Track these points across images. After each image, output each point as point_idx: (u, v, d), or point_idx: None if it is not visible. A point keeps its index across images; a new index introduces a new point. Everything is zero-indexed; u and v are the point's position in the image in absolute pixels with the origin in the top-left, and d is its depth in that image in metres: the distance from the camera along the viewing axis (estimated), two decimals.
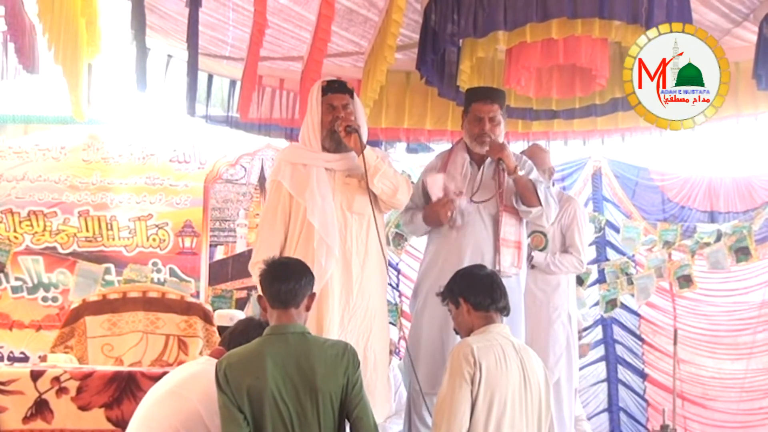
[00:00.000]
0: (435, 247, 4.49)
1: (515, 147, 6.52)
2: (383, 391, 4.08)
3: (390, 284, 7.37)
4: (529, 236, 5.18)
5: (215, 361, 3.45)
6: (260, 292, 3.39)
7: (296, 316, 3.25)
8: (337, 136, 4.13)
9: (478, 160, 4.45)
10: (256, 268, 4.14)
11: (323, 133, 4.17)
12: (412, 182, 4.79)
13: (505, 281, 4.14)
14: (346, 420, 3.20)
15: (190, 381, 3.42)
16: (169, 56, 5.99)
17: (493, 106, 4.41)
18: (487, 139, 4.37)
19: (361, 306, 4.07)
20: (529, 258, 5.11)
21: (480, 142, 4.39)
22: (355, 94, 4.29)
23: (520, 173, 4.32)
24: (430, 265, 4.47)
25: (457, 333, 3.67)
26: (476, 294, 3.55)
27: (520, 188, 4.36)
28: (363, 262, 4.08)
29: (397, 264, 7.76)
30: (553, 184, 5.41)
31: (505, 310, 3.60)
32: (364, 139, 4.18)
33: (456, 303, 3.58)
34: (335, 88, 4.21)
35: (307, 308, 3.31)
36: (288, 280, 3.28)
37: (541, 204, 4.37)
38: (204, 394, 3.31)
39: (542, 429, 3.52)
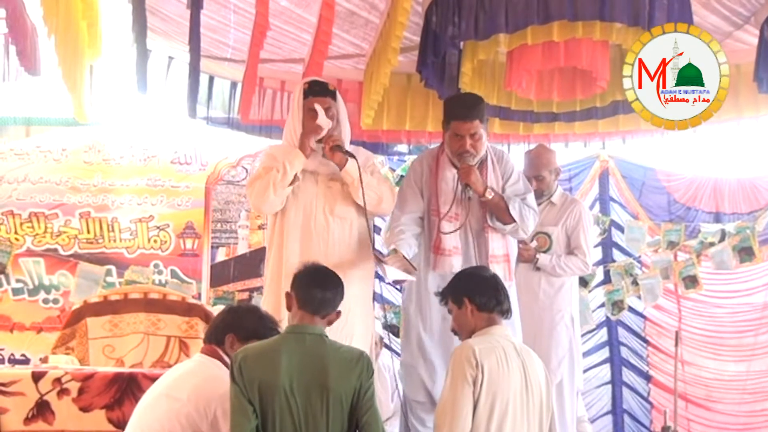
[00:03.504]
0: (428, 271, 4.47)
1: (516, 149, 6.56)
2: None
3: (393, 285, 7.38)
4: (533, 238, 5.20)
5: (206, 359, 3.47)
6: (290, 290, 3.40)
7: (319, 322, 3.29)
8: (320, 139, 4.13)
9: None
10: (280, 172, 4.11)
11: None
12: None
13: None
14: (356, 426, 3.20)
15: (180, 381, 3.42)
16: (170, 58, 5.99)
17: (473, 123, 4.34)
18: (467, 155, 4.36)
19: (342, 310, 4.07)
20: (534, 260, 5.13)
21: (463, 159, 4.37)
22: (338, 94, 4.28)
23: (489, 196, 4.31)
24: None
25: (455, 333, 3.65)
26: (482, 294, 3.53)
27: (493, 208, 4.36)
28: (344, 266, 4.05)
29: None
30: (557, 187, 5.42)
31: (508, 313, 3.59)
32: (347, 139, 4.21)
33: (459, 303, 3.55)
34: (317, 91, 4.19)
35: (330, 322, 3.34)
36: (326, 288, 3.34)
37: (515, 221, 4.36)
38: (194, 393, 3.31)
39: (543, 431, 3.52)
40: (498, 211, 4.36)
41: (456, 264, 4.34)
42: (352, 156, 4.09)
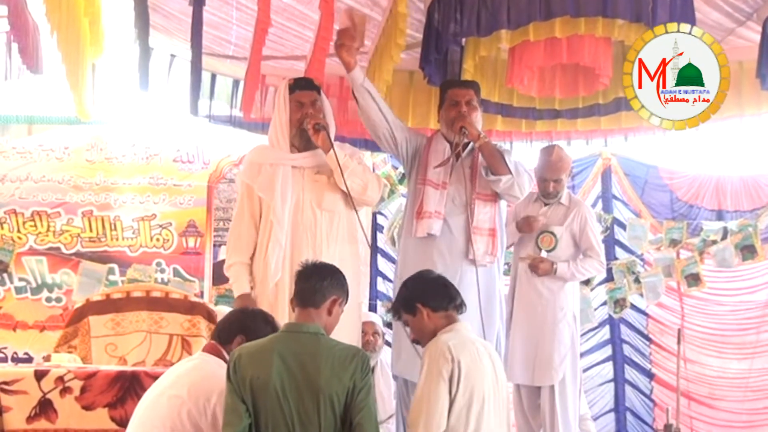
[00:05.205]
0: (411, 240, 4.49)
1: (518, 147, 6.55)
2: None
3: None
4: (538, 237, 5.21)
5: (208, 356, 3.47)
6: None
7: (315, 316, 3.25)
8: (306, 134, 4.15)
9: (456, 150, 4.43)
10: (231, 270, 4.19)
11: (292, 131, 4.20)
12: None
13: (481, 271, 4.16)
14: (350, 426, 3.14)
15: (181, 379, 3.41)
16: (173, 56, 5.99)
17: (469, 91, 4.48)
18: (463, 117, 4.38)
19: None
20: (553, 271, 5.14)
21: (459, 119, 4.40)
22: (322, 91, 4.32)
23: (485, 139, 4.35)
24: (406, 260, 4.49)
25: (416, 344, 3.58)
26: (433, 296, 3.49)
27: (487, 155, 4.36)
28: (333, 259, 4.03)
29: None
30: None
31: (462, 307, 3.54)
32: (332, 135, 4.21)
33: (413, 311, 3.49)
34: (302, 85, 4.25)
35: (329, 312, 3.28)
36: (309, 279, 3.30)
37: (510, 172, 4.35)
38: (194, 389, 3.31)
39: (510, 423, 3.53)
40: (492, 160, 4.36)
41: (435, 227, 4.35)
42: (331, 143, 4.11)
